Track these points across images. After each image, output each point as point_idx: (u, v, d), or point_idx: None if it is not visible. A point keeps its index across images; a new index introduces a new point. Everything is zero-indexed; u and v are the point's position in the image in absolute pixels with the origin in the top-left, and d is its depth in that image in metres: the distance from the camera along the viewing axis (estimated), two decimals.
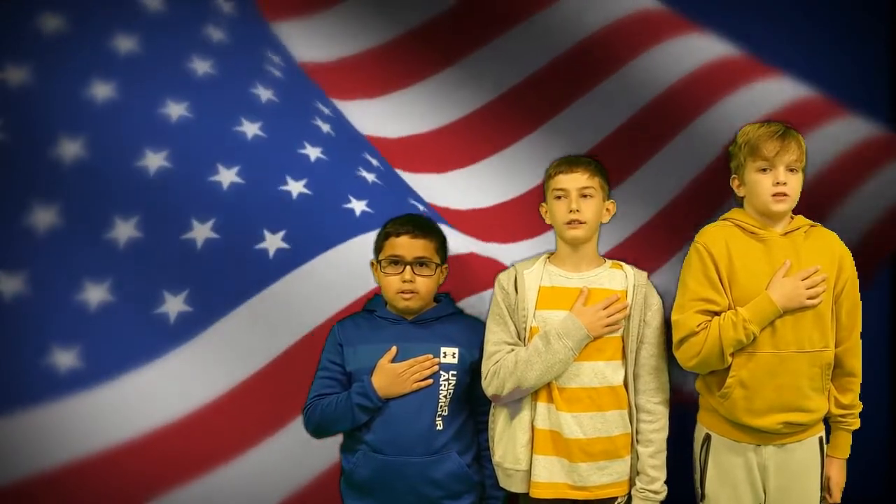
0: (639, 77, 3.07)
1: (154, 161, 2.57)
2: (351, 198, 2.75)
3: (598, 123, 3.11)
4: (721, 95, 3.07)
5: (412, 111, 3.03)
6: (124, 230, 2.54)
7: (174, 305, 2.58)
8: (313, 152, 2.73)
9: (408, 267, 2.40)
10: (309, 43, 2.94)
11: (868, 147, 3.02)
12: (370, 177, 2.81)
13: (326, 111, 2.86)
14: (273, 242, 2.65)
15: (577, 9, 3.03)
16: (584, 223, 2.36)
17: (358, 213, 2.73)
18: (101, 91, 2.55)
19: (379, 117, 3.00)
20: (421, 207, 2.89)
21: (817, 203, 2.86)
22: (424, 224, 2.48)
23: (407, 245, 2.41)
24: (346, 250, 2.68)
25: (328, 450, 2.52)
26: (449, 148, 3.05)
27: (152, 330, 2.57)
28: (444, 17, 3.02)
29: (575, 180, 2.37)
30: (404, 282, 2.39)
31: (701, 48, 3.13)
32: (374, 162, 2.87)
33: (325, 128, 2.81)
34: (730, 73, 3.11)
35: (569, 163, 2.40)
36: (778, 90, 3.07)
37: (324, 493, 2.59)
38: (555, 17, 3.03)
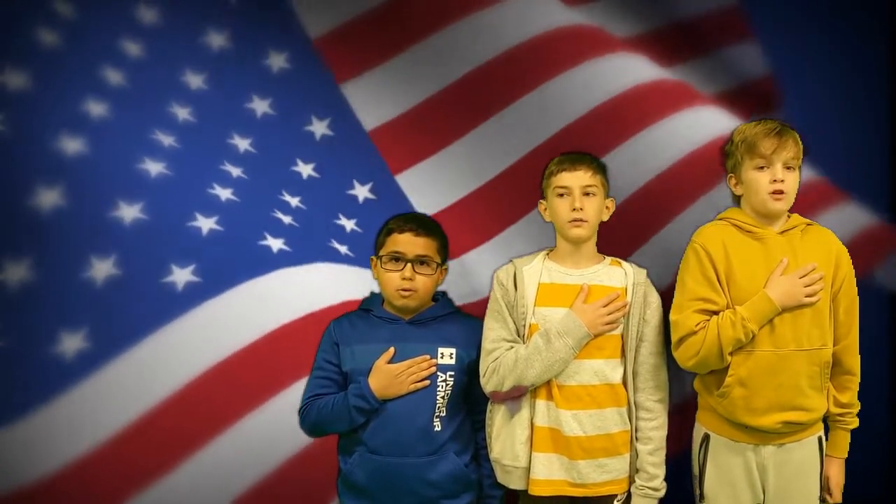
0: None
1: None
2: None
3: None
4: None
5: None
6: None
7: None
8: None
9: (408, 264, 2.40)
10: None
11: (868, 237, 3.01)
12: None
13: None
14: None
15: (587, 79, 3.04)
16: (587, 222, 2.36)
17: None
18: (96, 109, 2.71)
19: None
20: None
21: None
22: (427, 223, 2.49)
23: (409, 242, 2.41)
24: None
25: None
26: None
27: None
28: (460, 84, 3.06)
29: (578, 178, 2.37)
30: (404, 279, 2.39)
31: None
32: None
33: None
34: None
35: (571, 161, 2.40)
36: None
37: (321, 494, 2.59)
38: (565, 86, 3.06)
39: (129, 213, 2.67)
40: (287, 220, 2.85)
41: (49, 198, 2.60)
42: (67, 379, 2.56)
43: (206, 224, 2.75)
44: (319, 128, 2.96)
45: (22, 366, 2.54)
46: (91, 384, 2.57)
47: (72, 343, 2.57)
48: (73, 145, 2.65)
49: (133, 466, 2.57)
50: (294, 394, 2.55)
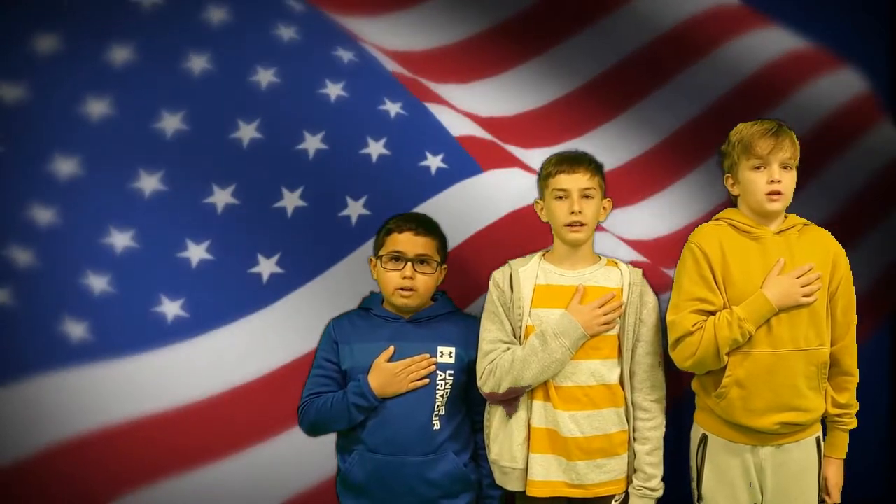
0: (718, 68, 3.12)
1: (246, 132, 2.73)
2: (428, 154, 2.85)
3: (662, 121, 3.15)
4: None
5: (502, 96, 3.12)
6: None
7: (267, 267, 2.72)
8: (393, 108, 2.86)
9: (408, 264, 2.41)
10: (400, 34, 3.05)
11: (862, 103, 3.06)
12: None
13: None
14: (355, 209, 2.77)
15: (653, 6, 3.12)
16: (586, 225, 2.36)
17: (434, 170, 2.83)
18: (197, 63, 2.72)
19: (473, 100, 3.11)
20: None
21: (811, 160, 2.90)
22: (427, 222, 2.50)
23: (409, 242, 2.42)
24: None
25: None
26: (535, 128, 3.12)
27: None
28: (530, 11, 3.12)
29: (577, 181, 2.36)
30: (404, 278, 2.40)
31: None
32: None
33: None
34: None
35: (570, 162, 2.39)
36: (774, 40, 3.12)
37: (320, 493, 2.61)
38: (635, 12, 3.12)
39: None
40: None
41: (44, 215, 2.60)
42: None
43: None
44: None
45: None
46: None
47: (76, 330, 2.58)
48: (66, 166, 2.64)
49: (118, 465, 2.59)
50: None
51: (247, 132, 2.73)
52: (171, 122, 2.68)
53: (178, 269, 2.65)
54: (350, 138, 2.78)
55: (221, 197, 2.70)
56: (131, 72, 2.69)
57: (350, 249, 2.73)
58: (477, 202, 2.81)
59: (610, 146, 3.04)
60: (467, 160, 2.84)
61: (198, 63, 2.73)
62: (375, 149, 2.79)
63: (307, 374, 2.48)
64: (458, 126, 2.91)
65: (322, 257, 2.73)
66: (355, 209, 2.76)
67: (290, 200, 2.73)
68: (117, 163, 2.64)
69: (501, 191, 2.83)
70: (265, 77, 2.76)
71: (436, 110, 2.90)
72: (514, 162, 2.93)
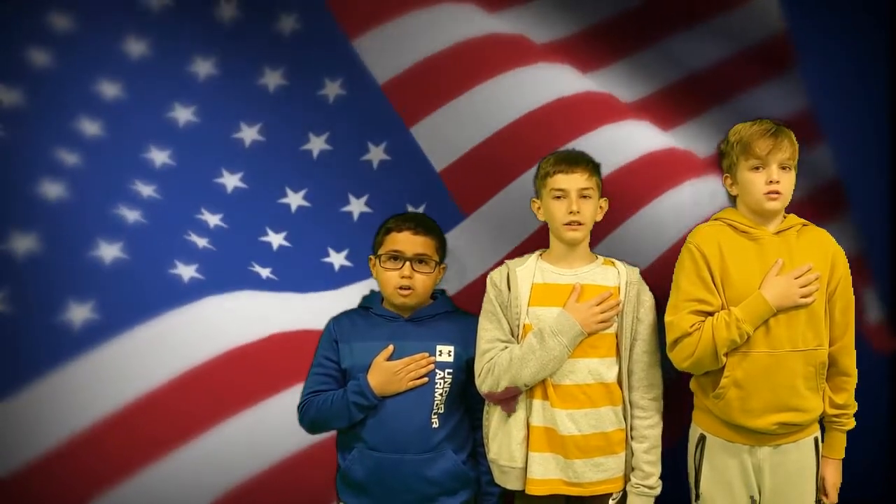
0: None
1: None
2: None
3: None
4: None
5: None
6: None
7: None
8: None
9: (407, 263, 2.42)
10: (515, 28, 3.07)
11: None
12: None
13: None
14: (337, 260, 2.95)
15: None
16: (584, 224, 2.37)
17: None
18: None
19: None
20: None
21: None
22: (426, 222, 2.51)
23: (408, 241, 2.44)
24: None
25: None
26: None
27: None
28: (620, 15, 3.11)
29: (575, 181, 2.37)
30: (403, 277, 2.41)
31: None
32: None
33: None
34: None
35: (568, 162, 2.39)
36: None
37: (321, 490, 2.62)
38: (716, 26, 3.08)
39: (110, 252, 2.81)
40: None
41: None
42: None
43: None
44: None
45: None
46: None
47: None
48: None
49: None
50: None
51: (231, 181, 2.91)
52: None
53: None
54: (332, 193, 2.94)
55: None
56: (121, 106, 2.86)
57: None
58: (458, 260, 2.83)
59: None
60: (448, 207, 2.92)
61: (183, 114, 2.90)
62: (357, 206, 2.93)
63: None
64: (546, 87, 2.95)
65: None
66: (337, 260, 2.92)
67: (275, 239, 2.93)
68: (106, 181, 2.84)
69: (484, 237, 2.90)
70: (249, 134, 2.93)
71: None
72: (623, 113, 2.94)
